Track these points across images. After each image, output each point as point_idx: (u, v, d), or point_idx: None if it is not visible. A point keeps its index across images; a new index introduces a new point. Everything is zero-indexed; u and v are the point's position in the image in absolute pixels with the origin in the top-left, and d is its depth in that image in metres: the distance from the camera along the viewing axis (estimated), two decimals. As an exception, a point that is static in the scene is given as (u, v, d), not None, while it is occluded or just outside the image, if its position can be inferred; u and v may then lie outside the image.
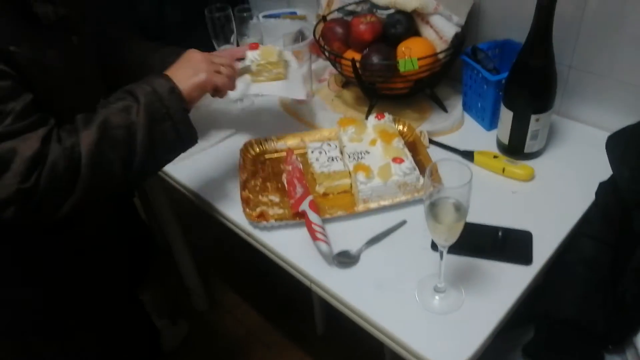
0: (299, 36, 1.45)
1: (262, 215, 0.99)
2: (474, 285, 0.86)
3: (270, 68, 1.09)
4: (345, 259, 0.90)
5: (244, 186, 1.06)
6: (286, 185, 1.06)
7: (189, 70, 0.90)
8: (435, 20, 1.13)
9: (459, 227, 0.74)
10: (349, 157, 1.05)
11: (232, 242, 1.05)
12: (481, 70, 1.12)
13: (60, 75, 0.86)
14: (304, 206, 0.96)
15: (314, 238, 0.90)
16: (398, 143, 1.06)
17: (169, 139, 0.85)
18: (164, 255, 1.91)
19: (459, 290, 0.85)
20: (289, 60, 1.15)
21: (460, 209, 0.72)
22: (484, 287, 0.85)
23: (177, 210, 1.63)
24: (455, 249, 0.80)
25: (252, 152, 1.17)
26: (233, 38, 1.25)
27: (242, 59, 1.11)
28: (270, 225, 0.98)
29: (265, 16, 1.60)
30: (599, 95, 1.14)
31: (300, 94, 1.13)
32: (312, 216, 0.93)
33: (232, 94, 1.05)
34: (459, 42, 1.15)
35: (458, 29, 1.14)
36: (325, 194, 1.05)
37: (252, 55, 1.08)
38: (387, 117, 1.14)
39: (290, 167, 1.09)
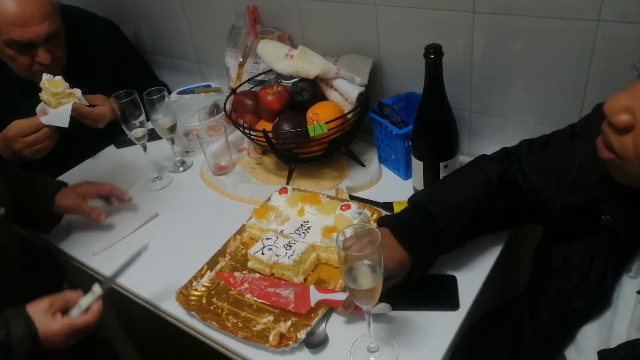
0: (214, 109, 1.46)
1: (281, 343, 0.87)
2: (406, 338, 0.86)
3: (52, 99, 1.19)
4: (278, 333, 0.89)
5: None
6: (264, 301, 0.95)
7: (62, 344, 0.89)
8: (339, 83, 1.18)
9: (378, 289, 0.75)
10: (299, 234, 1.04)
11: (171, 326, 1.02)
12: (388, 125, 1.18)
13: None
14: (315, 297, 0.91)
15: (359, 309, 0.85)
16: (325, 199, 1.10)
17: None
18: (104, 343, 1.81)
19: (392, 346, 0.86)
20: (78, 97, 1.23)
21: (375, 270, 0.74)
22: (416, 339, 0.86)
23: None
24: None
25: (194, 303, 0.98)
26: (142, 121, 1.24)
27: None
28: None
29: (179, 92, 1.61)
30: (499, 134, 1.21)
31: (62, 123, 1.20)
32: (337, 295, 0.91)
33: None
34: (364, 101, 1.20)
35: (362, 89, 1.19)
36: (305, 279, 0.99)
37: (45, 77, 1.18)
38: (290, 189, 1.16)
39: (247, 285, 0.98)
